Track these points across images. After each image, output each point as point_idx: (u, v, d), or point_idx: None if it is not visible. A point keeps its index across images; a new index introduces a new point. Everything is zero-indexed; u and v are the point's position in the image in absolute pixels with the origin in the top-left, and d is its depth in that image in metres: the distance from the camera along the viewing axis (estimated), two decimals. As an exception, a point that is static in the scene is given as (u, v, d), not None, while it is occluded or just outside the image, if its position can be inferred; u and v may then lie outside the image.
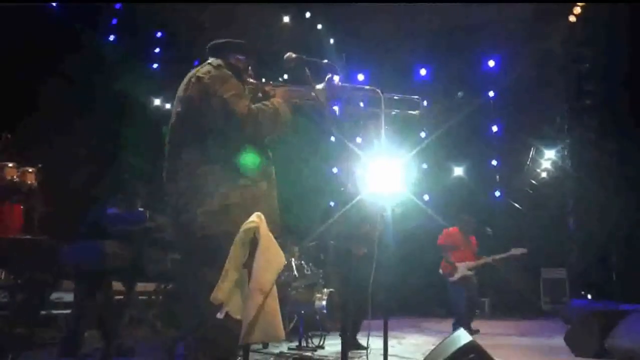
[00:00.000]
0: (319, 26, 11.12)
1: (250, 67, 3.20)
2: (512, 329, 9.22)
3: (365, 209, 4.60)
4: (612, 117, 10.77)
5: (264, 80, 3.24)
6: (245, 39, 3.19)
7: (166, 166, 2.98)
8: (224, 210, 2.78)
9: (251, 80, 3.16)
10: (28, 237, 5.70)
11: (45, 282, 5.59)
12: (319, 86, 3.15)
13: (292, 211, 10.05)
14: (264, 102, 3.00)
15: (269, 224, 2.80)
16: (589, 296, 10.87)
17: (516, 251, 8.47)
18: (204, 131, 2.87)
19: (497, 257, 8.49)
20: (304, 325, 6.52)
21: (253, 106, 2.91)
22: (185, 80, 3.00)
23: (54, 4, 9.00)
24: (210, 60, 3.09)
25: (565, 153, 12.47)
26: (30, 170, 5.93)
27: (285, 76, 3.91)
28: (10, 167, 5.78)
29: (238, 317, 2.70)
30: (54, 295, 6.13)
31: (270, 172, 3.04)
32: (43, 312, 5.88)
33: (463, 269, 8.27)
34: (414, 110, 3.36)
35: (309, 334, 6.51)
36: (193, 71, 3.01)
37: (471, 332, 7.79)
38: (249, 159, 2.90)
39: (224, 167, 2.84)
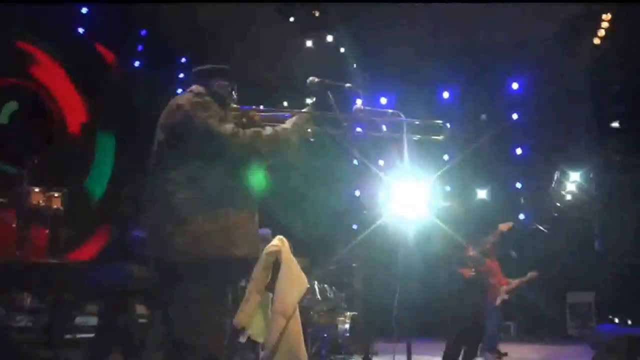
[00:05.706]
0: (342, 50, 11.15)
1: (234, 92, 3.18)
2: (538, 353, 9.05)
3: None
4: (638, 139, 10.64)
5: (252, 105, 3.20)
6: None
7: (147, 191, 2.97)
8: (199, 238, 2.75)
9: (234, 105, 3.13)
10: (53, 260, 5.76)
11: (69, 305, 5.62)
12: (304, 110, 3.12)
13: (315, 234, 10.08)
14: (261, 127, 2.96)
15: (251, 250, 2.78)
16: (616, 321, 10.64)
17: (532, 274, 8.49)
18: (184, 157, 2.85)
19: (525, 279, 8.45)
20: (326, 349, 6.46)
21: (246, 130, 2.90)
22: (167, 108, 2.98)
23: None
24: (192, 87, 3.09)
25: (591, 176, 12.28)
26: (56, 195, 6.01)
27: (308, 100, 3.88)
28: (37, 191, 5.87)
29: (260, 340, 2.70)
30: (79, 320, 6.16)
31: (251, 200, 2.97)
32: (68, 336, 5.90)
33: (503, 292, 8.16)
34: (437, 135, 3.30)
35: (331, 357, 6.45)
36: (175, 99, 3.00)
37: (500, 355, 7.66)
38: (230, 187, 2.86)
39: (202, 194, 2.81)
